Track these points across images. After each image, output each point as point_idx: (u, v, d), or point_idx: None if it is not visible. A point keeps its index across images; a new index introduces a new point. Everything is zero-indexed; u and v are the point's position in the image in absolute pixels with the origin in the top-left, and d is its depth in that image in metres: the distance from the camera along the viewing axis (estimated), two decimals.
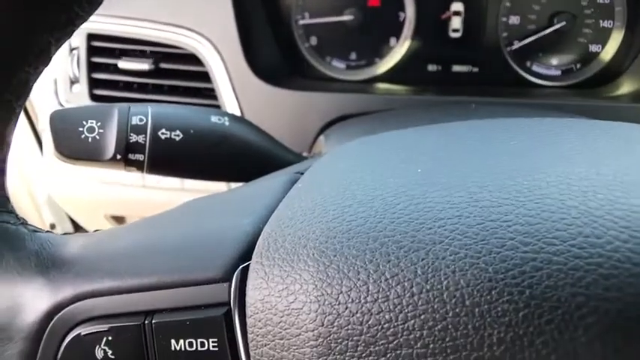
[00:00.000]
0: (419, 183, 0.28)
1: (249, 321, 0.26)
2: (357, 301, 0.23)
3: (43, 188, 0.93)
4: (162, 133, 0.45)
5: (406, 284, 0.23)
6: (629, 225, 0.22)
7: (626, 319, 0.20)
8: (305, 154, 0.66)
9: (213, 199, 0.37)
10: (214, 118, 0.47)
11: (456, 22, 0.77)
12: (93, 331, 0.28)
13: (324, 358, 0.24)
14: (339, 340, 0.23)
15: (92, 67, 0.75)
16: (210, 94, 0.73)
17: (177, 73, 0.74)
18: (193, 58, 0.72)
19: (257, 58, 0.73)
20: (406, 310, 0.22)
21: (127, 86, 0.75)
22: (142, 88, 0.74)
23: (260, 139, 0.51)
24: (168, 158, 0.46)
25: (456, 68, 0.80)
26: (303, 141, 0.70)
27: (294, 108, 0.71)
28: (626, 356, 0.20)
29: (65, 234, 0.33)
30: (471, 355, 0.21)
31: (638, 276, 0.20)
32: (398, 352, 0.22)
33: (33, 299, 0.29)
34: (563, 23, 0.75)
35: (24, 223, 0.31)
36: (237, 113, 0.71)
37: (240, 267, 0.28)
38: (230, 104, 0.72)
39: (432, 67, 0.80)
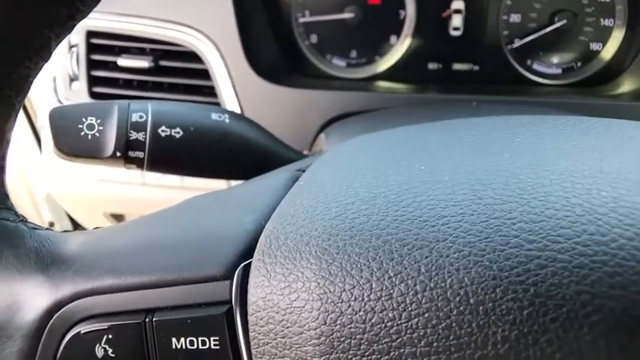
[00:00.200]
0: (422, 180, 0.28)
1: (250, 319, 0.26)
2: (360, 299, 0.23)
3: (41, 186, 0.93)
4: (163, 131, 0.45)
5: (410, 282, 0.23)
6: (633, 223, 0.22)
7: (631, 317, 0.20)
8: (305, 152, 0.66)
9: (214, 197, 0.37)
10: (215, 116, 0.47)
11: (457, 20, 0.77)
12: (93, 329, 0.28)
13: (327, 356, 0.23)
14: (342, 339, 0.23)
15: (91, 64, 0.74)
16: (210, 91, 0.73)
17: (177, 70, 0.73)
18: (193, 56, 0.72)
19: (257, 56, 0.73)
20: (410, 309, 0.22)
21: (127, 84, 0.74)
22: (142, 85, 0.74)
23: (260, 136, 0.50)
24: (168, 156, 0.45)
25: (457, 66, 0.79)
26: (303, 139, 0.70)
27: (295, 106, 0.71)
28: (630, 354, 0.20)
29: (65, 231, 0.33)
30: (475, 354, 0.21)
31: None
32: (401, 350, 0.22)
33: (32, 297, 0.29)
34: (564, 21, 0.74)
35: (23, 220, 0.31)
36: (238, 111, 0.71)
37: (242, 265, 0.28)
38: (230, 102, 0.72)
39: (432, 66, 0.80)
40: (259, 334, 0.26)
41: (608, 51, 0.77)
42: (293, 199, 0.31)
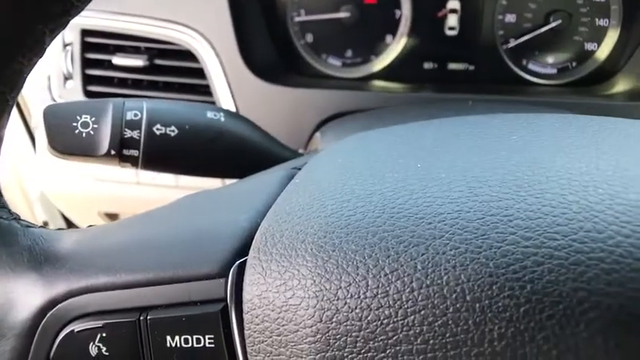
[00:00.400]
0: (418, 178, 0.28)
1: (246, 317, 0.26)
2: (356, 296, 0.23)
3: (35, 185, 0.93)
4: (158, 129, 0.44)
5: (406, 279, 0.23)
6: (630, 220, 0.22)
7: (628, 314, 0.20)
8: (301, 151, 0.66)
9: (209, 195, 0.37)
10: (210, 114, 0.47)
11: (453, 20, 0.77)
12: (87, 327, 0.28)
13: (323, 354, 0.23)
14: (338, 336, 0.23)
15: (86, 63, 0.74)
16: (205, 90, 0.73)
17: (172, 69, 0.73)
18: (188, 55, 0.72)
19: (252, 55, 0.72)
20: (406, 306, 0.22)
21: (122, 82, 0.74)
22: (137, 84, 0.74)
23: (256, 135, 0.50)
24: (163, 154, 0.45)
25: (452, 66, 0.79)
26: (299, 138, 0.69)
27: (290, 105, 0.71)
28: (627, 351, 0.20)
29: (59, 229, 0.33)
30: (472, 351, 0.21)
31: None
32: (397, 348, 0.22)
33: (25, 295, 0.28)
34: (559, 22, 0.75)
35: (16, 218, 0.31)
36: (233, 110, 0.71)
37: (237, 262, 0.28)
38: (225, 101, 0.71)
39: (428, 65, 0.80)
40: (255, 332, 0.25)
41: (603, 51, 0.77)
42: (289, 196, 0.30)
